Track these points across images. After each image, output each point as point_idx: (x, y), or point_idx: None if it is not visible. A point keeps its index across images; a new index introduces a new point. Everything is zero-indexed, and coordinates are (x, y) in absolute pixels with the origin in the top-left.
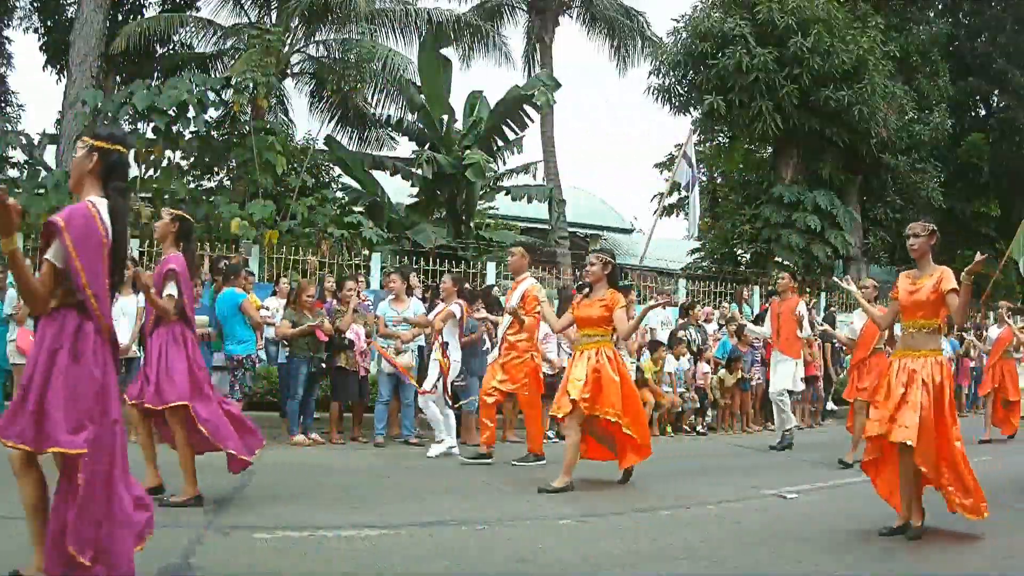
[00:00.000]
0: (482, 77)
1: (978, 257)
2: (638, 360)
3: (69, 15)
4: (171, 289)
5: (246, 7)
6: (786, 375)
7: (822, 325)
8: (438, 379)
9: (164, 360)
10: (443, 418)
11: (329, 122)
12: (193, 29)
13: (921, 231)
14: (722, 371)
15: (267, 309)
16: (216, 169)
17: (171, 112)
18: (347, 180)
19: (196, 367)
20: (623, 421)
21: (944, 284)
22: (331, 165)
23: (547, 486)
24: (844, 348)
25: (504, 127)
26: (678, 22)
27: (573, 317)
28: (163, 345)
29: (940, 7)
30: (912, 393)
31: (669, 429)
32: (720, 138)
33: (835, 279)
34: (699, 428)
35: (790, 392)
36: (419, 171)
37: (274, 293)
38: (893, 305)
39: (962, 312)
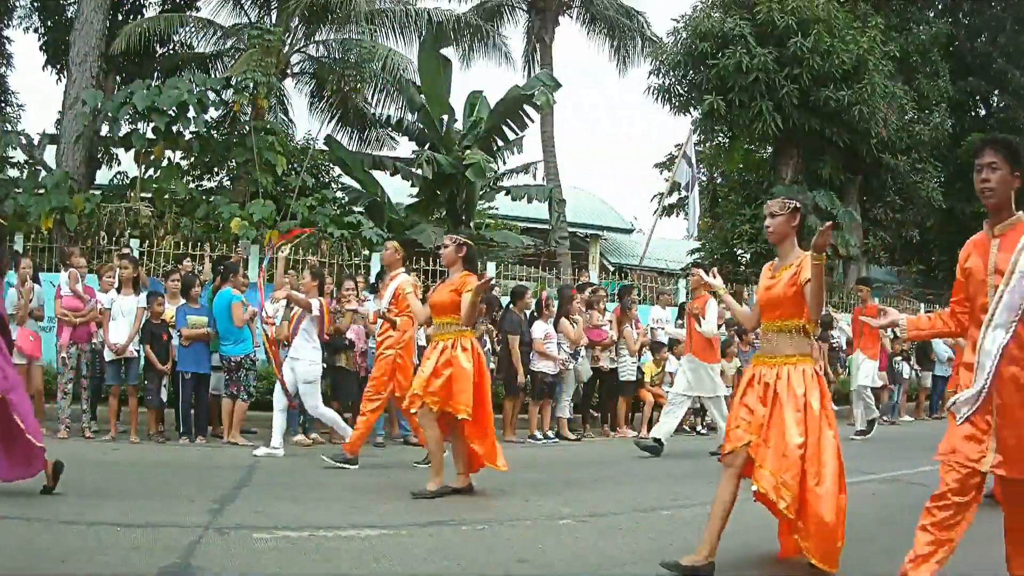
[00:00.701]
0: (482, 77)
1: (825, 225)
2: (639, 360)
3: (69, 15)
4: None
5: (246, 7)
6: (706, 381)
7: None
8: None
9: None
10: (279, 418)
11: (329, 122)
12: (193, 29)
13: (779, 209)
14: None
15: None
16: (216, 169)
17: (171, 112)
18: (347, 180)
19: (7, 363)
20: (465, 416)
21: (803, 273)
22: (331, 165)
23: (421, 491)
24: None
25: (504, 127)
26: (678, 22)
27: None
28: None
29: (940, 7)
30: (775, 419)
31: None
32: (720, 138)
33: (700, 272)
34: (699, 428)
35: (710, 397)
36: (419, 171)
37: None
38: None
39: (817, 304)
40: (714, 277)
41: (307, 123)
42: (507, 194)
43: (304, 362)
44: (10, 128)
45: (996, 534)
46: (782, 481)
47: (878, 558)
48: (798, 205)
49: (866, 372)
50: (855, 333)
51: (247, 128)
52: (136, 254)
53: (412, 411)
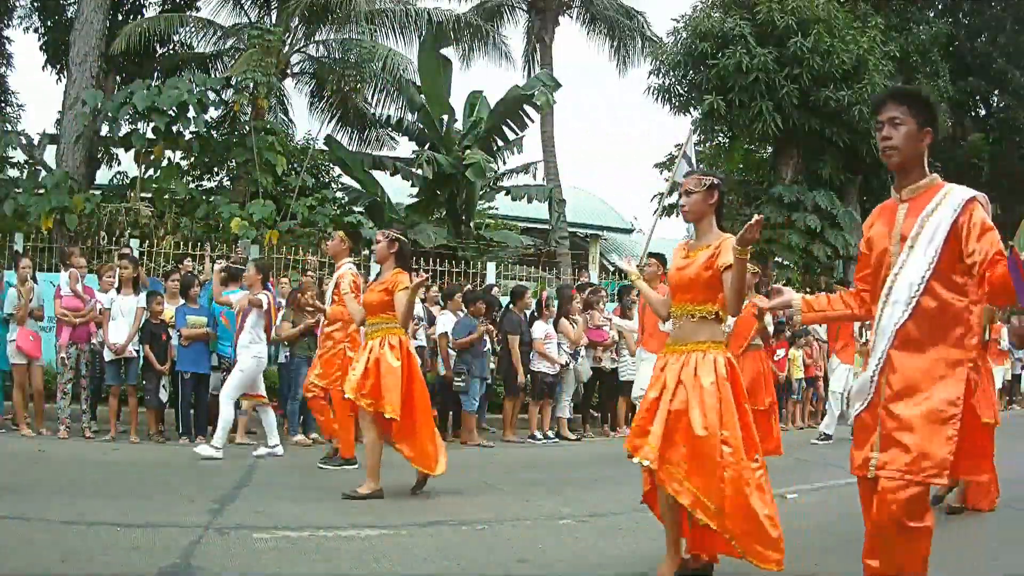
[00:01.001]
0: (482, 77)
1: (754, 219)
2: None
3: (69, 15)
4: None
5: (246, 7)
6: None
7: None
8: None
9: None
10: (234, 418)
11: (329, 122)
12: (193, 29)
13: (695, 186)
14: None
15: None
16: (216, 169)
17: (171, 112)
18: (347, 180)
19: None
20: (393, 416)
21: (722, 257)
22: (331, 165)
23: (352, 492)
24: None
25: (504, 127)
26: (678, 22)
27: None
28: None
29: (940, 7)
30: (664, 400)
31: None
32: (720, 138)
33: (615, 258)
34: None
35: None
36: (419, 171)
37: None
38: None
39: (737, 297)
40: (628, 264)
41: (307, 123)
42: (507, 194)
43: (245, 356)
44: (10, 128)
45: (1011, 522)
46: (695, 485)
47: None
48: (715, 182)
49: (839, 377)
50: (830, 336)
51: (247, 128)
52: (136, 254)
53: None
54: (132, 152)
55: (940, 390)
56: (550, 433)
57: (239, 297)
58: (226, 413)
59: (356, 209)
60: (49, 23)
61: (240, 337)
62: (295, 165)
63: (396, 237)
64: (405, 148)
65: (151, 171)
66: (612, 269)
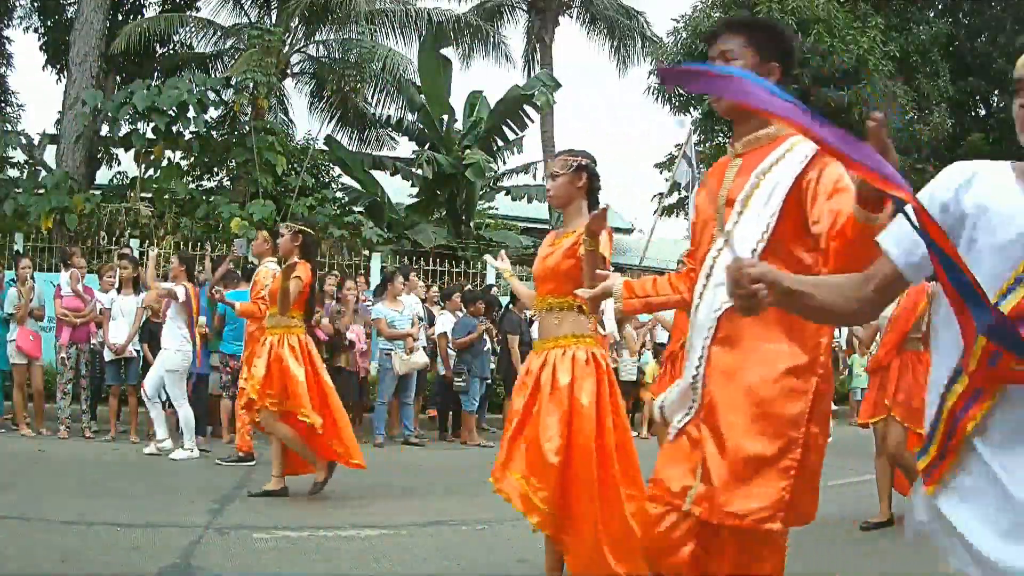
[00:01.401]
0: (482, 77)
1: (600, 208)
2: (639, 360)
3: (69, 15)
4: None
5: (246, 7)
6: None
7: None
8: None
9: None
10: (157, 416)
11: (329, 122)
12: (193, 29)
13: (560, 169)
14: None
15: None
16: (216, 169)
17: (171, 112)
18: (347, 180)
19: None
20: (314, 421)
21: (583, 245)
22: (331, 165)
23: (258, 489)
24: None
25: (504, 127)
26: (678, 22)
27: None
28: None
29: (940, 7)
30: (534, 416)
31: None
32: (720, 138)
33: (487, 257)
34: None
35: None
36: (419, 171)
37: None
38: None
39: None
40: (502, 261)
41: (307, 123)
42: (507, 194)
43: (170, 351)
44: (10, 128)
45: None
46: (533, 491)
47: (875, 558)
48: (583, 163)
49: None
50: None
51: (247, 128)
52: (136, 254)
53: (256, 419)
54: (132, 152)
55: (775, 407)
56: None
57: (167, 287)
58: (184, 414)
59: (356, 209)
60: (49, 23)
61: (163, 331)
62: (295, 165)
63: (300, 229)
64: (405, 148)
65: (151, 171)
66: (612, 269)
